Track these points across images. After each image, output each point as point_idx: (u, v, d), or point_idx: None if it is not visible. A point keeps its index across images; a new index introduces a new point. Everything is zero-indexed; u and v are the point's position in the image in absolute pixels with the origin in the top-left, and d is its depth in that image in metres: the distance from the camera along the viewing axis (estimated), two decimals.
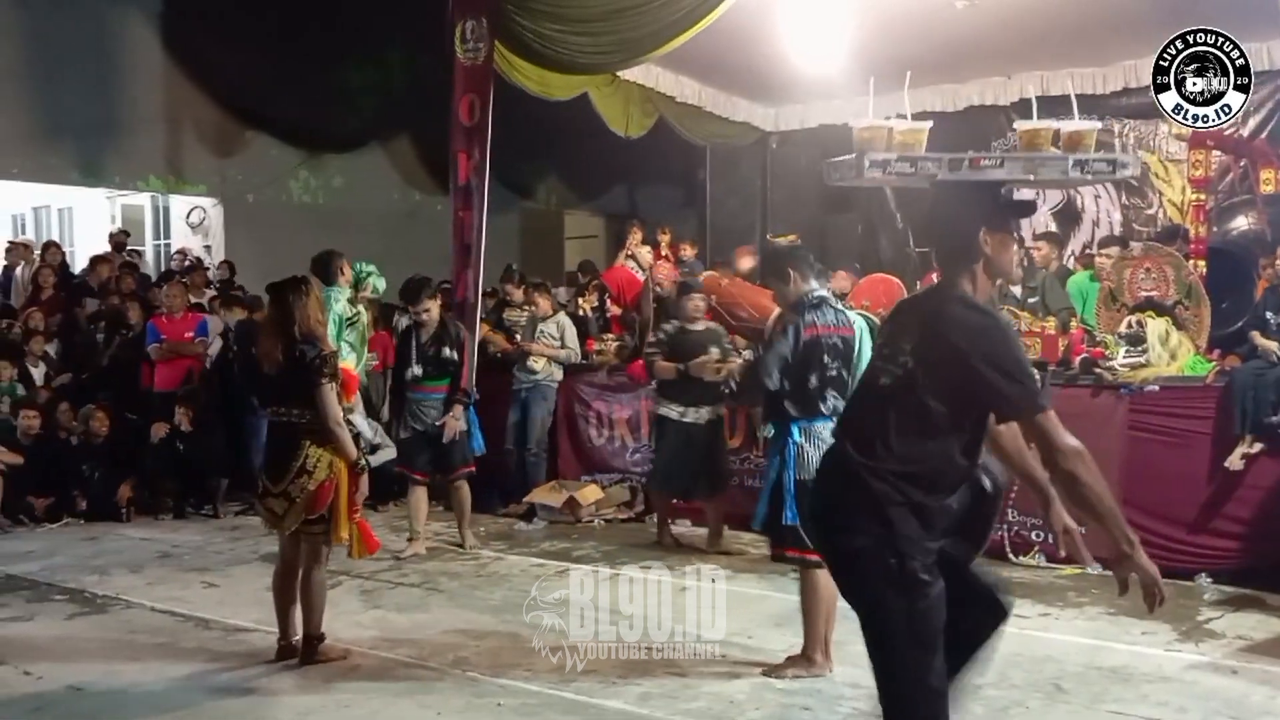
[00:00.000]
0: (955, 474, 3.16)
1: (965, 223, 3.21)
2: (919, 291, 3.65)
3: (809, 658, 5.29)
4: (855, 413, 3.30)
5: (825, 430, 5.18)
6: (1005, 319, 3.06)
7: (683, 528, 8.92)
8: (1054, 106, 11.59)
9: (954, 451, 3.13)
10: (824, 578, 5.27)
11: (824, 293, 5.39)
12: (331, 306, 7.99)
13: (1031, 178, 3.29)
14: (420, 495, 8.04)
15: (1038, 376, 3.02)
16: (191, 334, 10.19)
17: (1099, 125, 3.44)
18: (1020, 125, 3.44)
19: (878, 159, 3.21)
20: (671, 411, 8.04)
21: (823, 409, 5.20)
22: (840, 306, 5.48)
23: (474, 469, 8.19)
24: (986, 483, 3.28)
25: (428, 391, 7.95)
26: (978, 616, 3.34)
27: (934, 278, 3.37)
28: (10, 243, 13.19)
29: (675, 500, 8.49)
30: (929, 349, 3.09)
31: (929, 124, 3.40)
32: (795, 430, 5.20)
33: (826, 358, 5.18)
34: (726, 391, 6.57)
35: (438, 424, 7.86)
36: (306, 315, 5.42)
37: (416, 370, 7.93)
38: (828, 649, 5.32)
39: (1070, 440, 2.99)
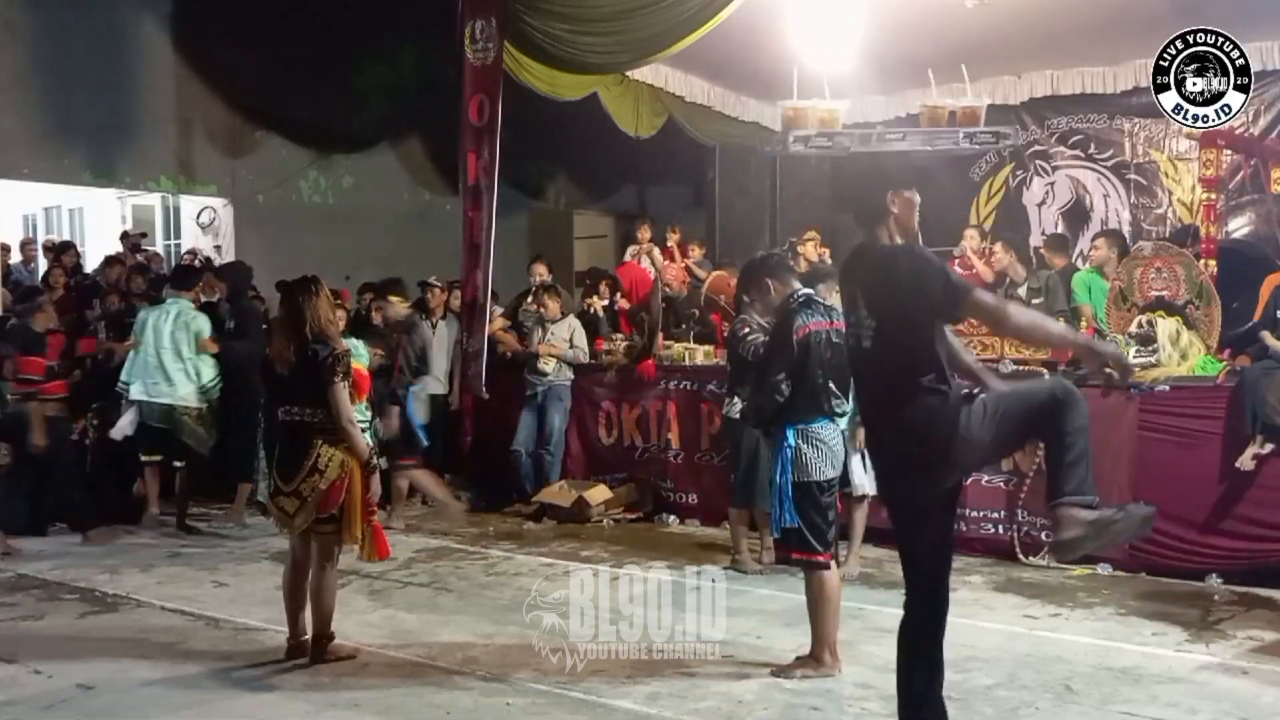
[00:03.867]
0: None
1: (876, 185, 3.78)
2: (851, 255, 4.11)
3: (817, 658, 5.29)
4: (869, 377, 3.78)
5: (823, 430, 5.20)
6: (918, 245, 3.68)
7: (692, 527, 8.94)
8: (1065, 105, 11.75)
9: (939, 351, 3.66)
10: (830, 579, 5.28)
11: (808, 291, 5.39)
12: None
13: (929, 148, 3.93)
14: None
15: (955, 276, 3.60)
16: None
17: (987, 101, 4.21)
18: (923, 103, 4.04)
19: (800, 134, 3.65)
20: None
21: (825, 408, 5.21)
22: (829, 303, 5.46)
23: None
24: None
25: None
26: None
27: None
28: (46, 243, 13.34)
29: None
30: (876, 297, 3.63)
31: (846, 103, 3.96)
32: (790, 433, 5.18)
33: (826, 353, 5.17)
34: (738, 418, 6.61)
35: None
36: (318, 315, 5.44)
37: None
38: (835, 649, 5.32)
39: (1004, 304, 3.59)
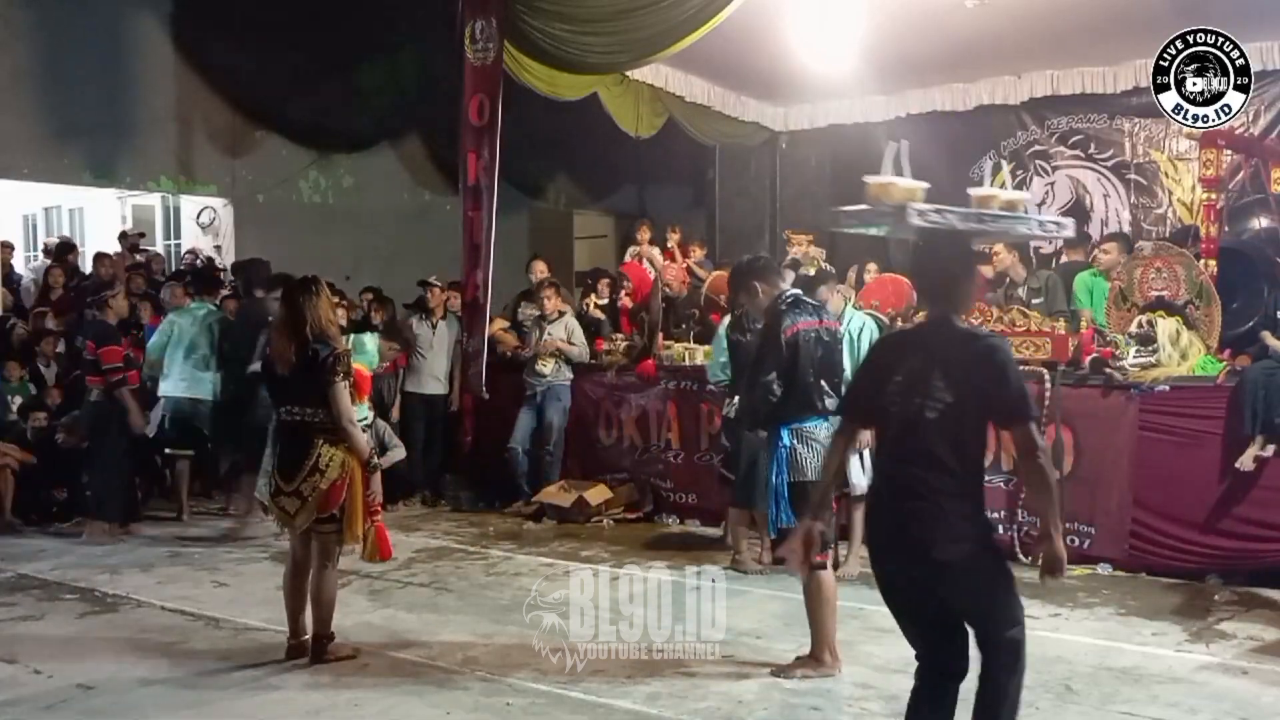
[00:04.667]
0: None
1: (962, 267, 3.85)
2: (916, 331, 4.21)
3: (817, 658, 5.29)
4: (912, 444, 3.69)
5: (818, 430, 5.22)
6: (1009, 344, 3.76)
7: (692, 527, 8.94)
8: (1065, 105, 11.74)
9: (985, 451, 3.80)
10: (828, 578, 5.28)
11: (796, 291, 5.44)
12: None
13: (1009, 232, 4.29)
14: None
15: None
16: None
17: (1028, 195, 4.38)
18: (974, 191, 4.21)
19: (920, 209, 3.82)
20: None
21: (818, 407, 5.23)
22: (817, 302, 5.53)
23: None
24: None
25: None
26: None
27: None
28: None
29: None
30: (965, 379, 3.63)
31: (926, 185, 4.09)
32: (785, 434, 5.21)
33: (816, 351, 5.21)
34: (734, 417, 6.76)
35: None
36: (318, 315, 5.44)
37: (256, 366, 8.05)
38: (835, 649, 5.33)
39: (1045, 452, 3.68)
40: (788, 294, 5.35)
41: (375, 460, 5.61)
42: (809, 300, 5.42)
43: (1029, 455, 3.65)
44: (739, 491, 7.39)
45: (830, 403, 5.26)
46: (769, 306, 5.36)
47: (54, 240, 13.79)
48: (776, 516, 5.25)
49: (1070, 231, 4.92)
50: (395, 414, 9.95)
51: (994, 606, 3.68)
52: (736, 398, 7.18)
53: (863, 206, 4.15)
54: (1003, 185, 4.70)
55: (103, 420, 8.65)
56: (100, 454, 8.70)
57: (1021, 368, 7.51)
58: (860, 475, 7.18)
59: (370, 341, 8.56)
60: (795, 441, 5.19)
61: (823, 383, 5.24)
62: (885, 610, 6.19)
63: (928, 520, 3.61)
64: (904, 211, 3.79)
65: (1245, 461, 6.79)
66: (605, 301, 10.98)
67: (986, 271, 9.32)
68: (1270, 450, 6.75)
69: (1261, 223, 9.88)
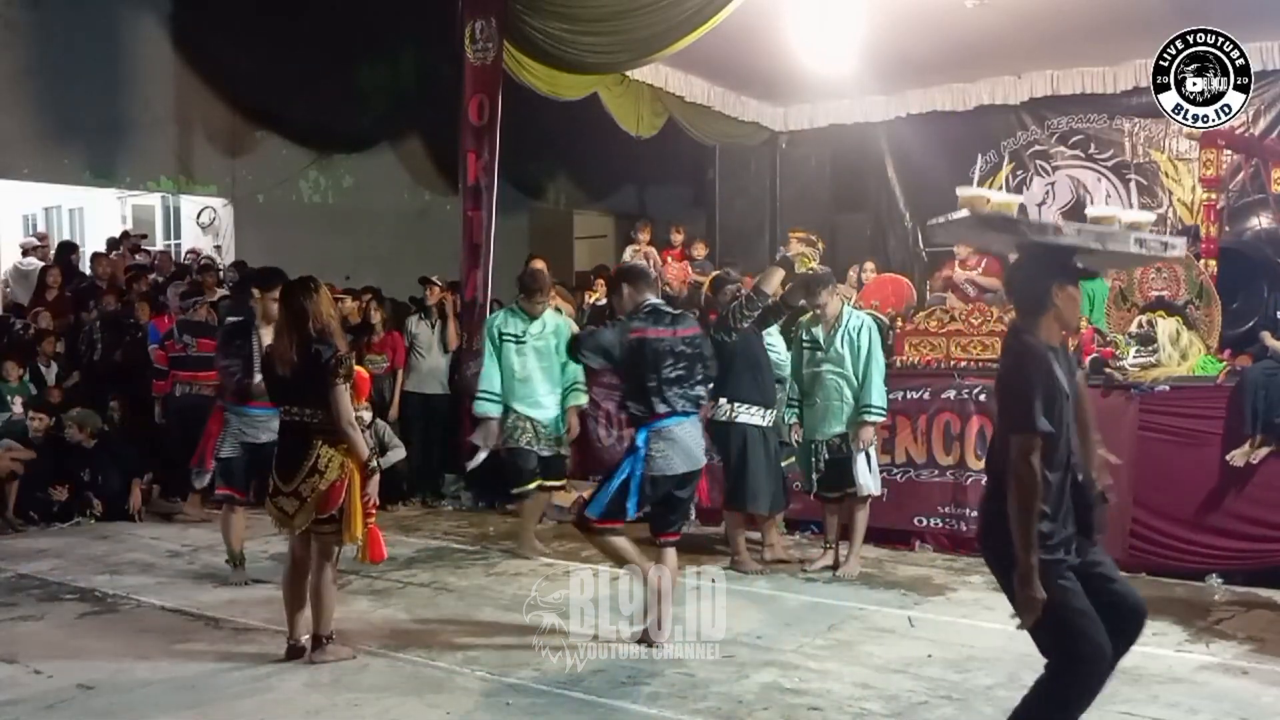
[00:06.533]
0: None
1: (1042, 278, 3.75)
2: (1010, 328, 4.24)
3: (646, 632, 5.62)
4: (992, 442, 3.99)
5: (676, 429, 5.58)
6: (1043, 352, 3.64)
7: (692, 527, 8.92)
8: (1065, 105, 11.75)
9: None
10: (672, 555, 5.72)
11: (656, 302, 5.82)
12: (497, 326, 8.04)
13: (1100, 247, 3.94)
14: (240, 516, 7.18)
15: (1039, 406, 3.55)
16: None
17: (1154, 216, 4.25)
18: (1091, 211, 4.17)
19: (1039, 224, 4.09)
20: (754, 418, 7.26)
21: (665, 408, 5.54)
22: (678, 313, 5.86)
23: None
24: (1079, 475, 3.78)
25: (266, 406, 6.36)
26: (1113, 626, 3.81)
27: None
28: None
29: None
30: (996, 385, 3.83)
31: (1020, 198, 4.06)
32: (642, 435, 5.55)
33: (660, 359, 5.54)
34: (722, 419, 7.20)
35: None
36: (319, 313, 5.43)
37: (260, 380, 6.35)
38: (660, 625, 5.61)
39: (1028, 466, 3.53)
40: (648, 304, 5.72)
41: (375, 463, 5.60)
42: (668, 310, 5.79)
43: (1015, 479, 3.57)
44: (732, 494, 7.41)
45: (681, 404, 5.60)
46: (630, 311, 5.72)
47: (32, 241, 13.81)
48: (625, 502, 5.52)
49: (1180, 251, 4.89)
50: (394, 413, 9.94)
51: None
52: (722, 400, 7.20)
53: (961, 217, 4.01)
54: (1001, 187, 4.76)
55: (205, 411, 8.27)
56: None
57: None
58: (866, 475, 7.18)
59: (563, 324, 8.12)
60: (652, 440, 5.54)
61: (666, 387, 5.56)
62: (885, 610, 6.22)
63: (983, 514, 3.90)
64: (1019, 228, 3.95)
65: (1236, 457, 6.80)
66: (603, 302, 10.96)
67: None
68: (1261, 454, 6.76)
69: (1261, 223, 9.89)
